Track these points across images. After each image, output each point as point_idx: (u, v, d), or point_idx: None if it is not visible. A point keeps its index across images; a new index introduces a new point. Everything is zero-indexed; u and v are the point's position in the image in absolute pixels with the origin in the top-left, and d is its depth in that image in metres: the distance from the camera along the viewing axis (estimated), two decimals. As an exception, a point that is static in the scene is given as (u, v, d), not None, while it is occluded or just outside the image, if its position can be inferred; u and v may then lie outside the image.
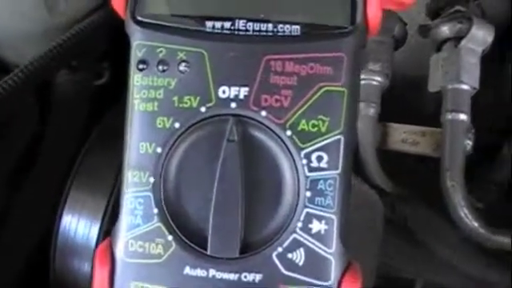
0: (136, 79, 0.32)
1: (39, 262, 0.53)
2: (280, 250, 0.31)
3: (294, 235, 0.31)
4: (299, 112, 0.30)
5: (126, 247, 0.32)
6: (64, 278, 0.52)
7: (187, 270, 0.31)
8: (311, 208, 0.31)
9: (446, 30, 0.54)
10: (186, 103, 0.31)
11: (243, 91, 0.31)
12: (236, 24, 0.31)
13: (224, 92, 0.31)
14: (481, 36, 0.53)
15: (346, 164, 0.31)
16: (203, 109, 0.31)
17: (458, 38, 0.53)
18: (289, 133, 0.30)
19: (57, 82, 0.56)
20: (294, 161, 0.30)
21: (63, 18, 0.54)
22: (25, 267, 0.54)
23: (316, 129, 0.30)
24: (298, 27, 0.31)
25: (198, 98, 0.31)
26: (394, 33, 0.56)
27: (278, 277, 0.31)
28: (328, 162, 0.30)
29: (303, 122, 0.30)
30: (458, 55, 0.52)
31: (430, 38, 0.56)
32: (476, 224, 0.51)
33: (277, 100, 0.30)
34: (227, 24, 0.31)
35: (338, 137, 0.30)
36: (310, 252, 0.31)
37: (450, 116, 0.52)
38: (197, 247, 0.31)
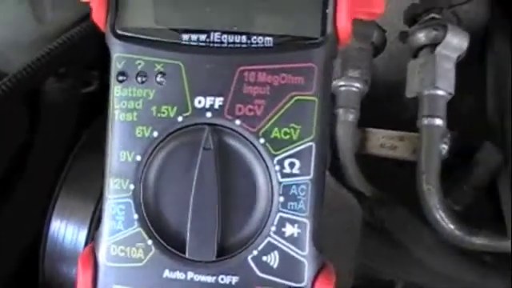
0: (116, 90, 0.32)
1: (29, 265, 0.53)
2: (255, 253, 0.31)
3: (269, 239, 0.31)
4: (272, 120, 0.31)
5: (108, 252, 0.32)
6: (53, 281, 0.53)
7: (166, 273, 0.32)
8: (284, 212, 0.31)
9: (422, 36, 0.54)
10: (164, 113, 0.32)
11: (218, 101, 0.31)
12: (211, 36, 0.32)
13: (200, 102, 0.32)
14: (455, 42, 0.53)
15: (317, 170, 0.32)
16: (180, 118, 0.32)
17: (433, 45, 0.53)
18: (262, 140, 0.31)
19: (45, 90, 0.57)
20: (267, 167, 0.31)
21: (51, 28, 0.55)
22: (15, 270, 0.54)
23: (288, 136, 0.31)
24: (270, 39, 0.32)
25: (176, 108, 0.32)
26: (373, 40, 0.56)
27: (254, 279, 0.31)
28: (300, 168, 0.31)
29: (276, 130, 0.31)
30: (434, 61, 0.52)
31: (408, 45, 0.56)
32: (452, 226, 0.52)
33: (250, 109, 0.31)
34: (202, 36, 0.32)
35: (310, 144, 0.31)
36: (283, 255, 0.31)
37: (426, 121, 0.53)
38: (175, 251, 0.32)
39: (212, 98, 0.32)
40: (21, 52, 0.54)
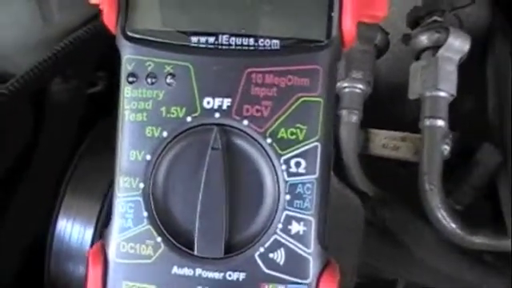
0: (126, 91, 0.33)
1: (34, 264, 0.54)
2: (262, 250, 0.32)
3: (275, 236, 0.32)
4: (278, 121, 0.32)
5: (118, 248, 0.33)
6: (59, 280, 0.53)
7: (175, 270, 0.32)
8: (290, 210, 0.32)
9: (424, 39, 0.55)
10: (173, 113, 0.32)
11: (226, 102, 0.32)
12: (219, 39, 0.33)
13: (208, 103, 0.32)
14: (457, 45, 0.53)
15: (323, 169, 0.32)
16: (189, 118, 0.32)
17: (435, 47, 0.54)
18: (269, 140, 0.32)
19: (51, 90, 0.57)
20: (273, 166, 0.32)
21: (57, 29, 0.55)
22: (20, 268, 0.55)
23: (294, 136, 0.32)
24: (277, 41, 0.32)
25: (185, 109, 0.32)
26: (376, 42, 0.57)
27: (260, 275, 0.32)
28: (306, 168, 0.32)
29: (282, 130, 0.32)
30: (436, 64, 0.53)
31: (410, 47, 0.57)
32: (453, 225, 0.52)
33: (258, 110, 0.32)
34: (211, 39, 0.33)
35: (315, 144, 0.32)
36: (289, 252, 0.32)
37: (428, 122, 0.53)
38: (184, 248, 0.32)
39: (220, 99, 0.32)
40: (28, 54, 0.54)
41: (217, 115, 0.32)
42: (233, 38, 0.33)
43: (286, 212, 0.32)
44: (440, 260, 0.57)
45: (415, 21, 0.58)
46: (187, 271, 0.32)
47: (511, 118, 0.55)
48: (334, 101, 0.34)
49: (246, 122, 0.32)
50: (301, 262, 0.32)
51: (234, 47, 0.33)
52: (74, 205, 0.53)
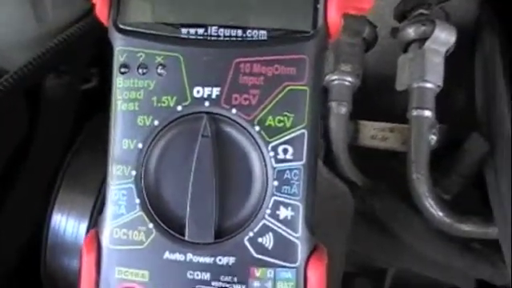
0: (118, 82, 0.34)
1: (30, 258, 0.54)
2: (251, 234, 0.33)
3: (264, 221, 0.33)
4: (266, 109, 0.33)
5: (111, 235, 0.34)
6: (55, 273, 0.54)
7: (167, 255, 0.33)
8: (278, 196, 0.33)
9: (411, 32, 0.56)
10: (164, 103, 0.33)
11: (215, 91, 0.33)
12: (209, 30, 0.34)
13: (198, 92, 0.33)
14: (443, 37, 0.54)
15: (310, 155, 0.33)
16: (179, 107, 0.33)
17: (422, 40, 0.55)
18: (257, 128, 0.33)
19: (46, 86, 0.58)
20: (262, 153, 0.33)
21: (51, 26, 0.56)
22: (16, 263, 0.55)
23: (282, 124, 0.33)
24: (265, 32, 0.33)
25: (175, 98, 0.33)
26: (365, 35, 0.58)
27: (250, 260, 0.33)
28: (293, 154, 0.33)
29: (270, 118, 0.33)
30: (423, 56, 0.54)
31: (398, 40, 0.58)
32: (441, 213, 0.53)
33: (246, 99, 0.33)
34: (201, 30, 0.34)
35: (302, 131, 0.33)
36: (278, 236, 0.33)
37: (415, 113, 0.54)
38: (175, 234, 0.33)
39: (210, 88, 0.33)
40: (22, 51, 0.55)
41: (206, 104, 0.33)
42: (221, 30, 0.34)
43: (274, 197, 0.33)
44: (429, 247, 0.58)
45: (402, 14, 0.59)
46: (179, 256, 0.33)
47: (498, 116, 0.56)
48: (321, 89, 0.35)
49: (234, 111, 0.33)
50: (289, 246, 0.33)
51: (222, 38, 0.33)
52: (69, 200, 0.54)
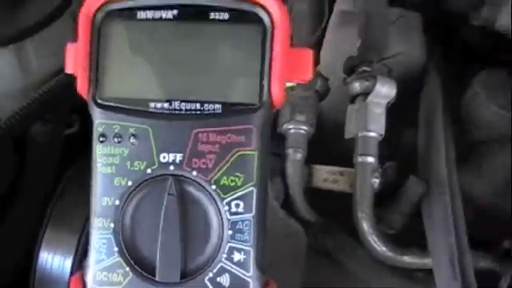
0: (98, 149, 0.39)
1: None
2: (211, 275, 0.38)
3: (221, 264, 0.38)
4: (221, 171, 0.38)
5: (94, 277, 0.39)
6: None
7: None
8: (233, 243, 0.38)
9: (357, 86, 0.60)
10: (136, 166, 0.38)
11: (179, 156, 0.38)
12: (172, 104, 0.38)
13: (164, 157, 0.38)
14: (384, 91, 0.58)
15: (259, 208, 0.38)
16: (149, 170, 0.38)
17: (365, 94, 0.59)
18: (214, 187, 0.38)
19: (32, 132, 0.61)
20: (218, 208, 0.38)
21: (36, 77, 0.59)
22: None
23: (234, 183, 0.38)
24: (219, 106, 0.38)
25: (145, 163, 0.38)
26: (317, 88, 0.62)
27: None
28: (244, 208, 0.38)
29: (224, 178, 0.38)
30: (366, 108, 0.59)
31: (347, 91, 0.62)
32: (384, 248, 0.58)
33: (204, 162, 0.38)
34: (166, 105, 0.38)
35: (251, 188, 0.38)
36: (233, 276, 0.38)
37: (360, 159, 0.59)
38: (148, 275, 0.38)
39: (174, 154, 0.38)
40: (9, 99, 0.58)
41: (171, 167, 0.38)
42: (183, 104, 0.38)
43: (230, 244, 0.38)
44: (373, 277, 0.62)
45: (351, 68, 0.63)
46: None
47: (439, 152, 0.60)
48: (269, 151, 0.40)
49: (194, 173, 0.38)
50: (243, 284, 0.38)
51: (184, 112, 0.38)
52: (55, 238, 0.57)
